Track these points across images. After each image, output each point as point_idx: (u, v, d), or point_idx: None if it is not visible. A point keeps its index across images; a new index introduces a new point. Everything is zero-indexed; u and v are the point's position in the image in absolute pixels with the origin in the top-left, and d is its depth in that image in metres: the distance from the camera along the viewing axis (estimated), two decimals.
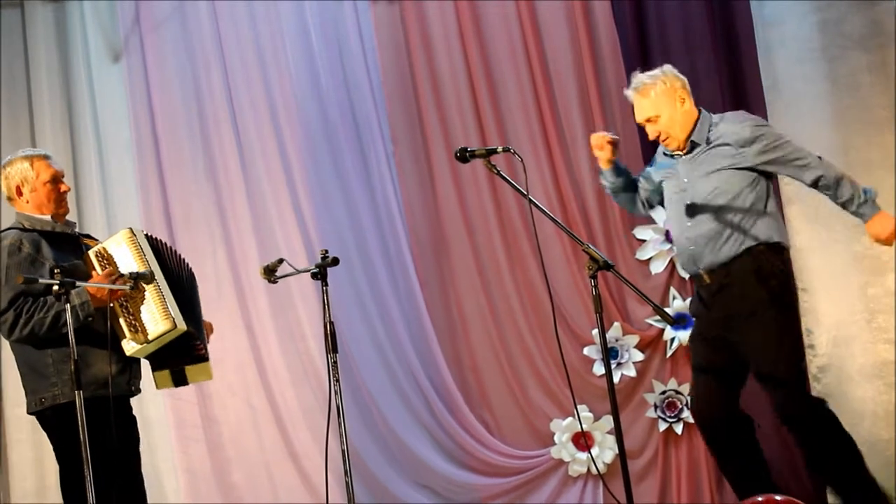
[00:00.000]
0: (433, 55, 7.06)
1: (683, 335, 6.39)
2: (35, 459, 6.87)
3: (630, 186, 5.38)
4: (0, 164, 4.75)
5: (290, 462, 6.93)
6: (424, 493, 6.85)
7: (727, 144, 5.01)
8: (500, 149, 4.55)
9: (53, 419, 4.51)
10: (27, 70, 7.23)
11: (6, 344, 6.53)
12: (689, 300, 6.41)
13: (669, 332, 6.51)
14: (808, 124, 6.25)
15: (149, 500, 4.84)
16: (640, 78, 5.17)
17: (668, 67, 5.21)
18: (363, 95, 7.15)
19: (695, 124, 5.08)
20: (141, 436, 4.89)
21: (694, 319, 5.31)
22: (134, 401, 4.86)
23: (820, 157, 5.03)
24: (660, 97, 5.08)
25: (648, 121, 5.11)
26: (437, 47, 7.05)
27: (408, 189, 7.10)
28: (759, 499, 5.68)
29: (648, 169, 5.40)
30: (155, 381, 4.73)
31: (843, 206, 5.02)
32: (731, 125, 5.06)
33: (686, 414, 6.44)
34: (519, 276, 6.84)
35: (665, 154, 5.24)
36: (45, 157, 4.72)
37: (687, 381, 6.45)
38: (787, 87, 6.29)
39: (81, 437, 4.19)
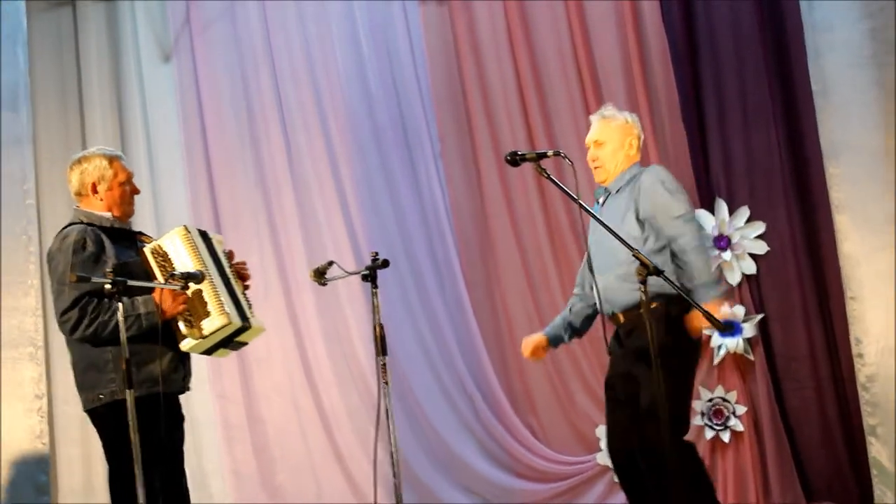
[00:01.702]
0: (482, 57, 7.07)
1: (731, 342, 6.36)
2: (83, 457, 6.94)
3: (566, 326, 5.39)
4: (74, 158, 4.79)
5: (335, 464, 6.95)
6: (469, 497, 6.85)
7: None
8: (550, 152, 4.55)
9: (108, 416, 4.53)
10: (78, 69, 7.31)
11: (55, 345, 6.64)
12: (736, 307, 6.40)
13: (717, 339, 6.44)
14: (856, 130, 6.19)
15: (194, 502, 4.85)
16: (610, 108, 5.24)
17: (636, 117, 5.25)
18: (411, 96, 7.17)
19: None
20: (187, 437, 4.89)
21: (610, 358, 5.17)
22: (181, 401, 4.88)
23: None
24: (616, 129, 5.14)
25: (595, 142, 5.14)
26: (486, 49, 7.06)
27: (455, 191, 7.12)
28: None
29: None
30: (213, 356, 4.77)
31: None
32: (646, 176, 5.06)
33: (733, 422, 6.40)
34: (566, 280, 6.82)
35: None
36: (122, 158, 4.78)
37: (734, 389, 6.42)
38: (837, 93, 6.22)
39: (132, 434, 4.22)
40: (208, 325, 4.45)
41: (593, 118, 5.23)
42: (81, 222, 4.62)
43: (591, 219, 4.93)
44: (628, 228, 4.93)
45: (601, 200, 5.16)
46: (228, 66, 7.32)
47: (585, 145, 5.22)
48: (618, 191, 5.09)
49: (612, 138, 5.12)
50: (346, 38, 7.25)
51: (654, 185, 4.97)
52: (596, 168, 5.15)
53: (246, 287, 4.81)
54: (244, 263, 4.89)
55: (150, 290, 4.47)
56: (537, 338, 5.38)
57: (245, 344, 4.77)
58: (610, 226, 4.57)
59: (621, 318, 5.02)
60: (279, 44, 7.27)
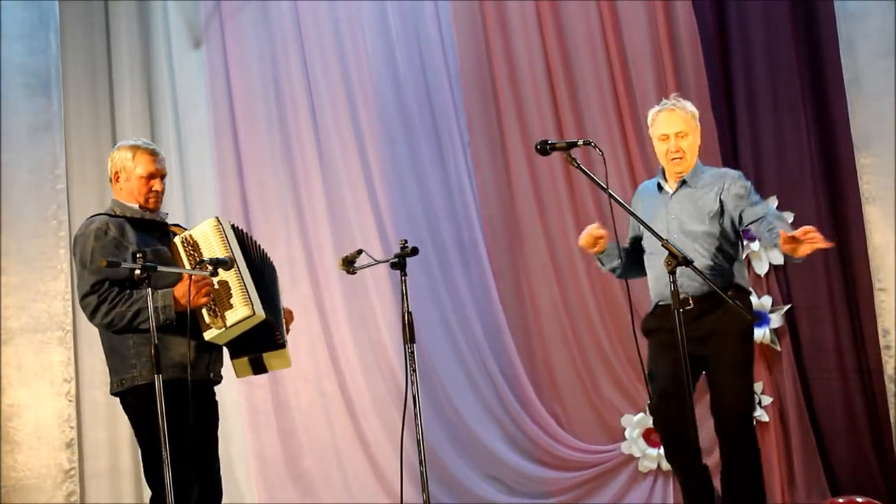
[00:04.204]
0: (511, 47, 7.06)
1: (758, 333, 6.32)
2: (109, 441, 6.97)
3: (631, 253, 5.29)
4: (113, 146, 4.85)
5: (360, 450, 6.97)
6: (493, 485, 6.86)
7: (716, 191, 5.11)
8: (580, 142, 4.53)
9: (132, 401, 4.57)
10: (109, 55, 7.34)
11: (82, 330, 6.68)
12: (764, 297, 6.38)
13: None
14: (889, 119, 6.17)
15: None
16: (681, 99, 5.23)
17: None
18: (440, 85, 7.17)
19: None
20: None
21: (652, 341, 5.17)
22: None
23: None
24: (692, 120, 5.15)
25: (678, 134, 5.10)
26: (516, 39, 7.04)
27: (483, 179, 7.11)
28: (840, 500, 5.66)
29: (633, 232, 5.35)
30: (234, 369, 4.76)
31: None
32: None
33: (759, 412, 6.38)
34: (593, 270, 6.79)
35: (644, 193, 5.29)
36: (151, 153, 4.70)
37: (761, 379, 6.40)
38: (869, 83, 6.20)
39: (160, 420, 4.24)
40: (231, 316, 4.46)
41: (663, 109, 5.16)
42: (113, 212, 4.65)
43: (658, 207, 5.10)
44: (711, 224, 5.01)
45: (672, 189, 5.13)
46: (258, 53, 7.34)
47: (660, 136, 5.12)
48: (697, 184, 5.11)
49: (692, 130, 5.13)
50: (376, 25, 7.26)
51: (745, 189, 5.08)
52: (676, 159, 5.10)
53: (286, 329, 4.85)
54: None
55: (179, 277, 4.49)
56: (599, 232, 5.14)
57: (265, 370, 4.78)
58: (686, 216, 4.98)
59: (690, 302, 4.96)
60: (309, 30, 7.27)
